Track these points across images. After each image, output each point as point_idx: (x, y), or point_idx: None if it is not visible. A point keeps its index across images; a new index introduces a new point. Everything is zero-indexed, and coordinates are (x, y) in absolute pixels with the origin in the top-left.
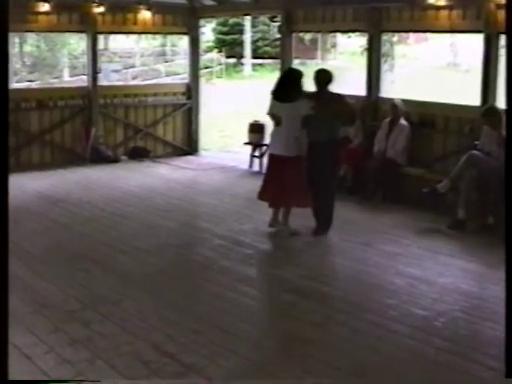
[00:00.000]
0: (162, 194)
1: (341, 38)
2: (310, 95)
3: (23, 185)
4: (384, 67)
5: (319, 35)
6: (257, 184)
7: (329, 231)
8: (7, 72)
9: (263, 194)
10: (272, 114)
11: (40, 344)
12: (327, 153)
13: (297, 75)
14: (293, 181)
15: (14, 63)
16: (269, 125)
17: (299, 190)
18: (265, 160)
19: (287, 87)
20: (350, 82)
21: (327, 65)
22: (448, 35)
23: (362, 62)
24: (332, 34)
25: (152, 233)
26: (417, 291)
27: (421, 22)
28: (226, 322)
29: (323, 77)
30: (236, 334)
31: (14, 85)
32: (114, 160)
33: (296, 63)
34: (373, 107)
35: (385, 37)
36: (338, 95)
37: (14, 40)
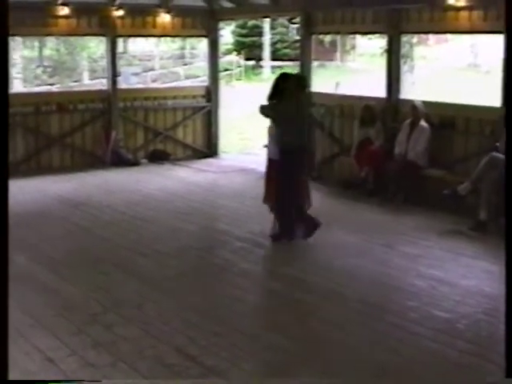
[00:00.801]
0: (183, 197)
1: (360, 40)
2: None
3: (44, 188)
4: (404, 69)
5: (338, 37)
6: None
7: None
8: (7, 74)
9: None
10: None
11: (63, 347)
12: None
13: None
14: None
15: (35, 67)
16: None
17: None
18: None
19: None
20: (370, 83)
21: (347, 67)
22: (468, 36)
23: (381, 64)
24: (351, 36)
25: (173, 236)
26: (438, 293)
27: (441, 23)
28: (246, 325)
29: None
30: (256, 336)
31: (34, 89)
32: (134, 163)
33: (315, 65)
34: (393, 109)
35: (404, 38)
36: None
37: (33, 44)
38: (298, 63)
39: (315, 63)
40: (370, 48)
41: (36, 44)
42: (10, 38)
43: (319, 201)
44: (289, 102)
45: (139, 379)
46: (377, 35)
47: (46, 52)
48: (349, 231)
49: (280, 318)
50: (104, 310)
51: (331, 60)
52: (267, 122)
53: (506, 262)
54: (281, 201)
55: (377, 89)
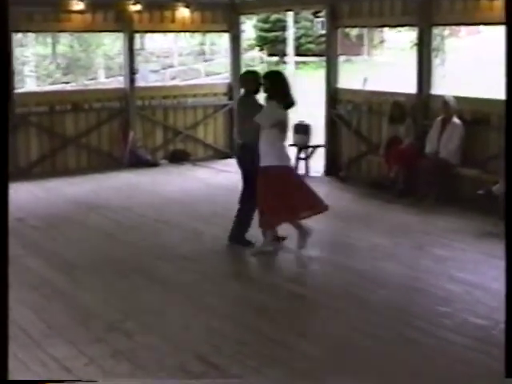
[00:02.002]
0: (205, 199)
1: (389, 33)
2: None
3: (60, 191)
4: (435, 62)
5: (366, 30)
6: None
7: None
8: (8, 73)
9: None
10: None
11: (80, 356)
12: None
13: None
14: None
15: (48, 64)
16: (315, 125)
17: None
18: (312, 162)
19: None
20: (400, 79)
21: (374, 61)
22: (503, 27)
23: (411, 58)
24: (379, 29)
25: (196, 239)
26: (472, 298)
27: (474, 13)
28: (273, 333)
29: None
30: (284, 344)
31: (47, 87)
32: (154, 164)
33: (341, 60)
34: (424, 105)
35: (436, 30)
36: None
37: (46, 40)
38: (323, 58)
39: (341, 58)
40: (399, 41)
41: (49, 40)
42: (23, 34)
43: (347, 202)
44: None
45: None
46: (406, 28)
47: (60, 49)
48: (378, 233)
49: (306, 324)
50: (124, 317)
51: (358, 54)
52: (291, 120)
53: (506, 262)
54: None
55: (406, 84)
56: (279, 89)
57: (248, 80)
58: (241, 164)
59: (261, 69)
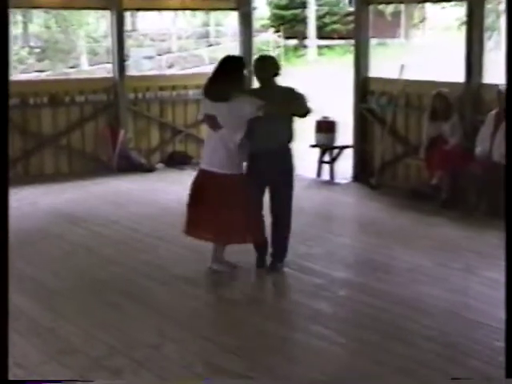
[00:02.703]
0: None
1: (432, 9)
2: (253, 92)
3: (35, 200)
4: (488, 45)
5: (403, 6)
6: (327, 196)
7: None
8: (7, 73)
9: (192, 227)
10: (205, 115)
11: None
12: (282, 166)
13: (236, 65)
14: (236, 208)
15: (19, 48)
16: (342, 122)
17: (245, 221)
18: (338, 166)
19: (223, 81)
20: (444, 65)
21: (413, 44)
22: None
23: (458, 40)
24: (420, 5)
25: (197, 258)
26: None
27: None
28: (293, 372)
29: (267, 66)
30: (302, 379)
31: (19, 76)
32: (148, 169)
33: (373, 43)
34: (474, 97)
35: (489, 5)
36: (291, 90)
37: (16, 18)
38: (351, 42)
39: (373, 41)
40: (444, 20)
41: (19, 18)
42: None
43: (380, 215)
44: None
45: None
46: (453, 3)
47: (33, 29)
48: (418, 252)
49: (335, 363)
50: (111, 351)
51: (394, 36)
52: (312, 117)
53: (506, 263)
54: (283, 218)
55: (452, 72)
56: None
57: (271, 64)
58: (279, 170)
59: (276, 54)
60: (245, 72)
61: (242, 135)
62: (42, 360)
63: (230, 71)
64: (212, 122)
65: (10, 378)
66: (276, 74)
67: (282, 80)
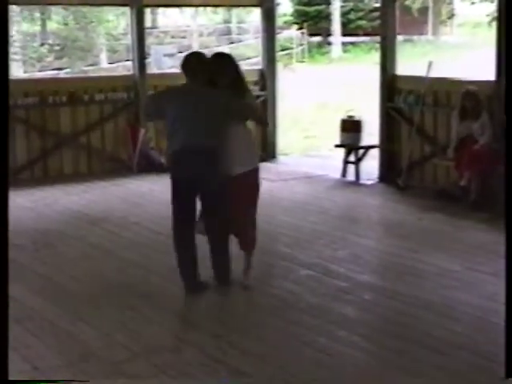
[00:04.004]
0: None
1: (461, 5)
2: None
3: (54, 201)
4: None
5: (430, 2)
6: (352, 197)
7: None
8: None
9: None
10: None
11: None
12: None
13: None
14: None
15: (37, 46)
16: (368, 121)
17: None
18: (363, 166)
19: None
20: (473, 62)
21: (441, 41)
22: None
23: (489, 36)
24: (448, 1)
25: None
26: None
27: None
28: (315, 377)
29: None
30: None
31: (37, 74)
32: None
33: (400, 40)
34: (504, 95)
35: None
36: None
37: (34, 15)
38: (377, 39)
39: (400, 38)
40: (474, 16)
41: (37, 15)
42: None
43: (407, 217)
44: None
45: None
46: None
47: (52, 26)
48: (446, 256)
49: (360, 370)
50: (131, 356)
51: (421, 33)
52: (337, 115)
53: (506, 261)
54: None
55: (482, 69)
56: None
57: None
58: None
59: (300, 51)
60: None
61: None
62: (60, 363)
63: None
64: None
65: (25, 372)
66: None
67: (303, 77)
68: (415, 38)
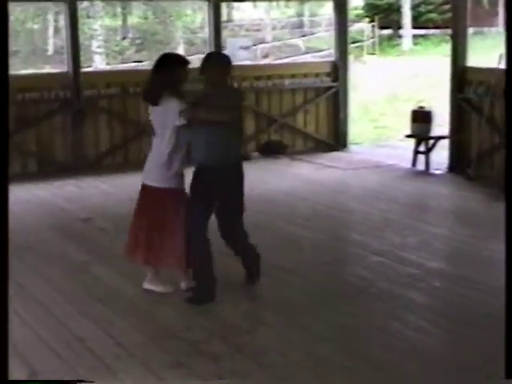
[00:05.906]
0: (303, 199)
1: None
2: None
3: (133, 187)
4: None
5: None
6: (422, 186)
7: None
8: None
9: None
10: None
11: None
12: (225, 185)
13: (169, 62)
14: (163, 228)
15: (119, 39)
16: (438, 112)
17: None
18: (433, 157)
19: (156, 81)
20: None
21: None
22: None
23: None
24: None
25: (292, 247)
26: None
27: None
28: (386, 360)
29: (214, 65)
30: (399, 375)
31: (119, 66)
32: (244, 157)
33: (471, 32)
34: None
35: None
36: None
37: (115, 10)
38: (447, 31)
39: (471, 30)
40: None
41: (119, 10)
42: (89, 3)
43: (476, 206)
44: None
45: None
46: None
47: (133, 20)
48: None
49: (428, 354)
50: (209, 336)
51: (492, 25)
52: (407, 106)
53: (506, 259)
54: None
55: None
56: None
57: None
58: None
59: (371, 44)
60: (181, 70)
61: (171, 145)
62: (142, 341)
63: (162, 70)
64: (152, 128)
65: (111, 357)
66: (224, 75)
67: (375, 70)
68: (486, 30)
